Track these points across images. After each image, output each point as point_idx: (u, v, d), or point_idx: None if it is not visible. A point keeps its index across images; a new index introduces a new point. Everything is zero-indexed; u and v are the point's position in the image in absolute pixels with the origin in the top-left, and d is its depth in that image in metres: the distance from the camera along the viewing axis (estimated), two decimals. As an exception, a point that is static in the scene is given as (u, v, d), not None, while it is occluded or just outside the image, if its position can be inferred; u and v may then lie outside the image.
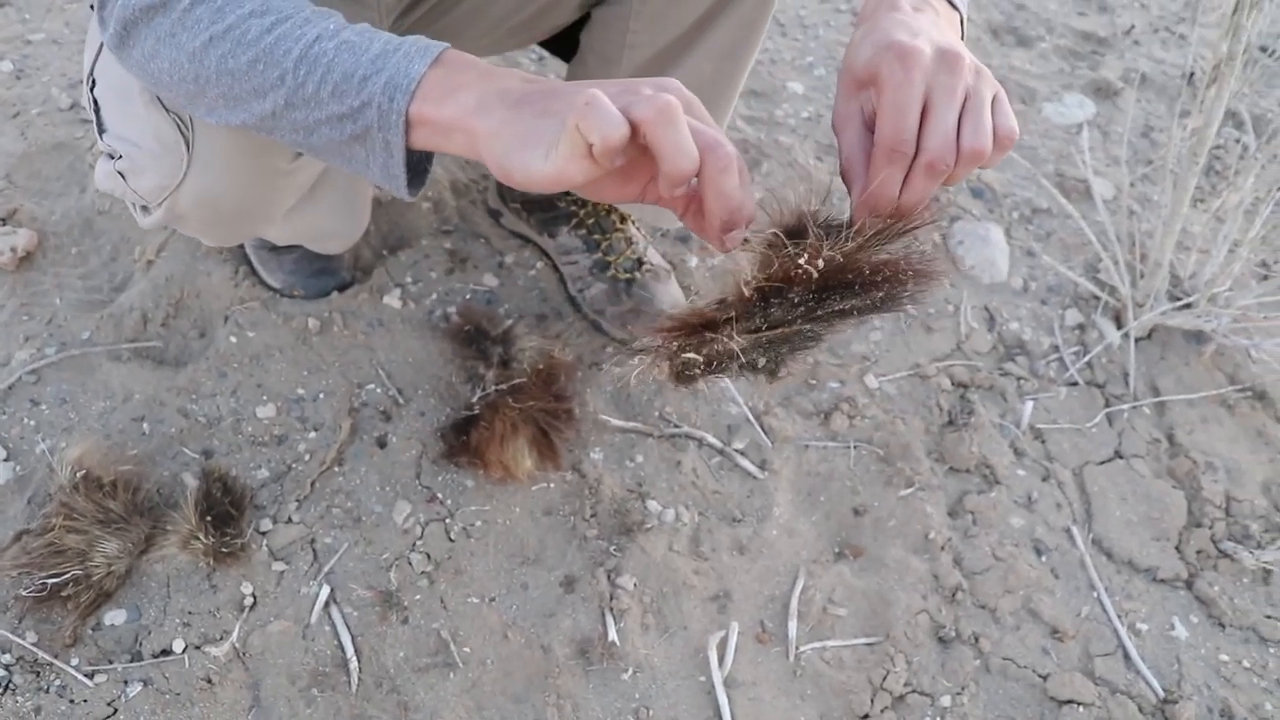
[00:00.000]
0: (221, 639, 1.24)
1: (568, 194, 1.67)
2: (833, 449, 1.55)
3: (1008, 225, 1.97)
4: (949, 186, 0.89)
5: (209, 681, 1.20)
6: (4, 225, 1.67)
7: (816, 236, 0.79)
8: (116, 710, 1.17)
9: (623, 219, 1.67)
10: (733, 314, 0.82)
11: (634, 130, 0.71)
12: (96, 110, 1.11)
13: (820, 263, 0.78)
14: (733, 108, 1.45)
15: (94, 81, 1.11)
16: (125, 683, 1.19)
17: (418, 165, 0.87)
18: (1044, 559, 1.47)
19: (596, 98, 0.70)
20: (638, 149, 0.74)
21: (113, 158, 1.12)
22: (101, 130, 1.11)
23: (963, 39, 0.96)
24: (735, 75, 1.38)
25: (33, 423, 1.42)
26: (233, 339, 1.54)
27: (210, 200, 1.15)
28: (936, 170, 0.80)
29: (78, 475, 1.29)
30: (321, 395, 1.50)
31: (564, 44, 1.51)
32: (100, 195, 1.72)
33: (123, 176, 1.12)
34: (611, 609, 1.32)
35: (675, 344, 0.84)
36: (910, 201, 0.82)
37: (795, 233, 0.80)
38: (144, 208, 1.17)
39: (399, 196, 0.87)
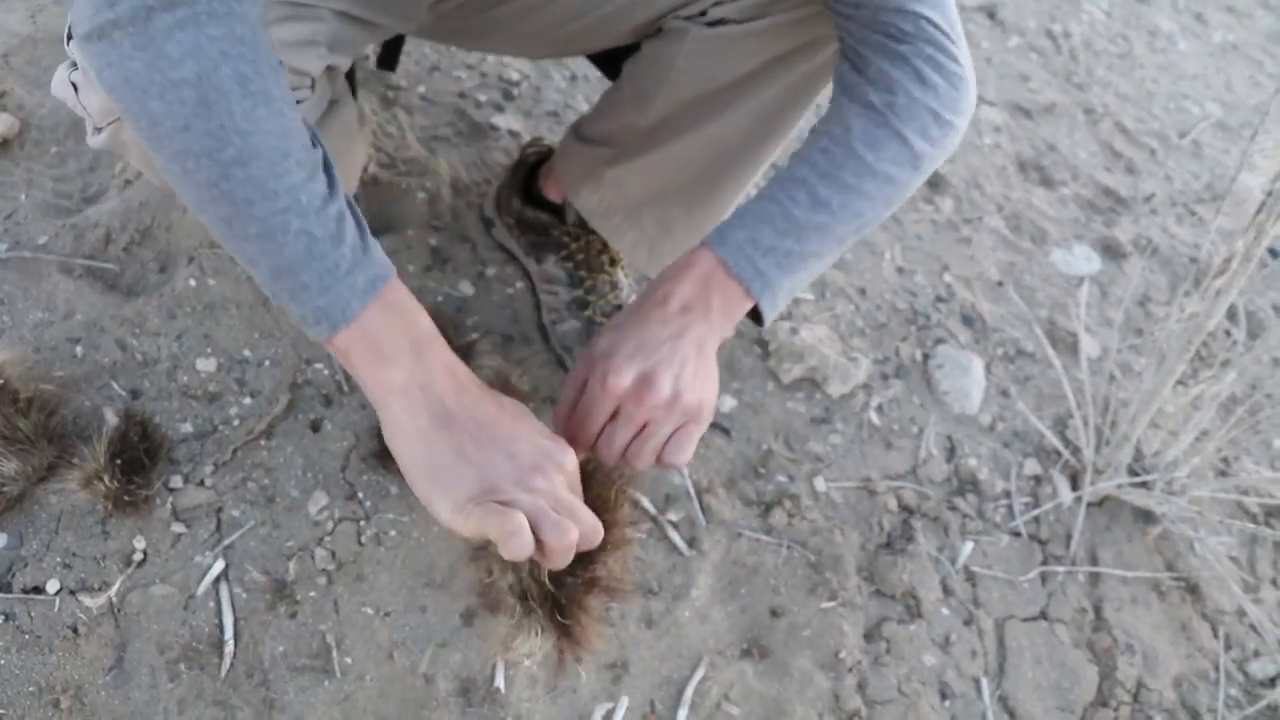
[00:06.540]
0: (100, 589, 1.18)
1: (563, 222, 1.63)
2: (765, 543, 1.51)
3: (989, 360, 1.95)
4: None
5: (75, 631, 1.14)
6: (-11, 107, 1.60)
7: None
8: (-31, 639, 1.10)
9: (613, 261, 1.63)
10: None
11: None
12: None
13: None
14: (760, 172, 1.41)
15: None
16: (-14, 612, 1.13)
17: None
18: (947, 704, 1.44)
19: (520, 531, 0.82)
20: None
21: (75, 65, 1.07)
22: (70, 35, 1.06)
23: (763, 323, 1.08)
24: (769, 140, 1.36)
25: (-37, 317, 1.35)
26: (192, 282, 1.48)
27: None
28: (610, 463, 1.02)
29: (-6, 384, 1.23)
30: (267, 362, 1.44)
31: (612, 65, 1.49)
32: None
33: (75, 88, 1.07)
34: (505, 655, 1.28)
35: None
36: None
37: None
38: (97, 128, 1.11)
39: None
